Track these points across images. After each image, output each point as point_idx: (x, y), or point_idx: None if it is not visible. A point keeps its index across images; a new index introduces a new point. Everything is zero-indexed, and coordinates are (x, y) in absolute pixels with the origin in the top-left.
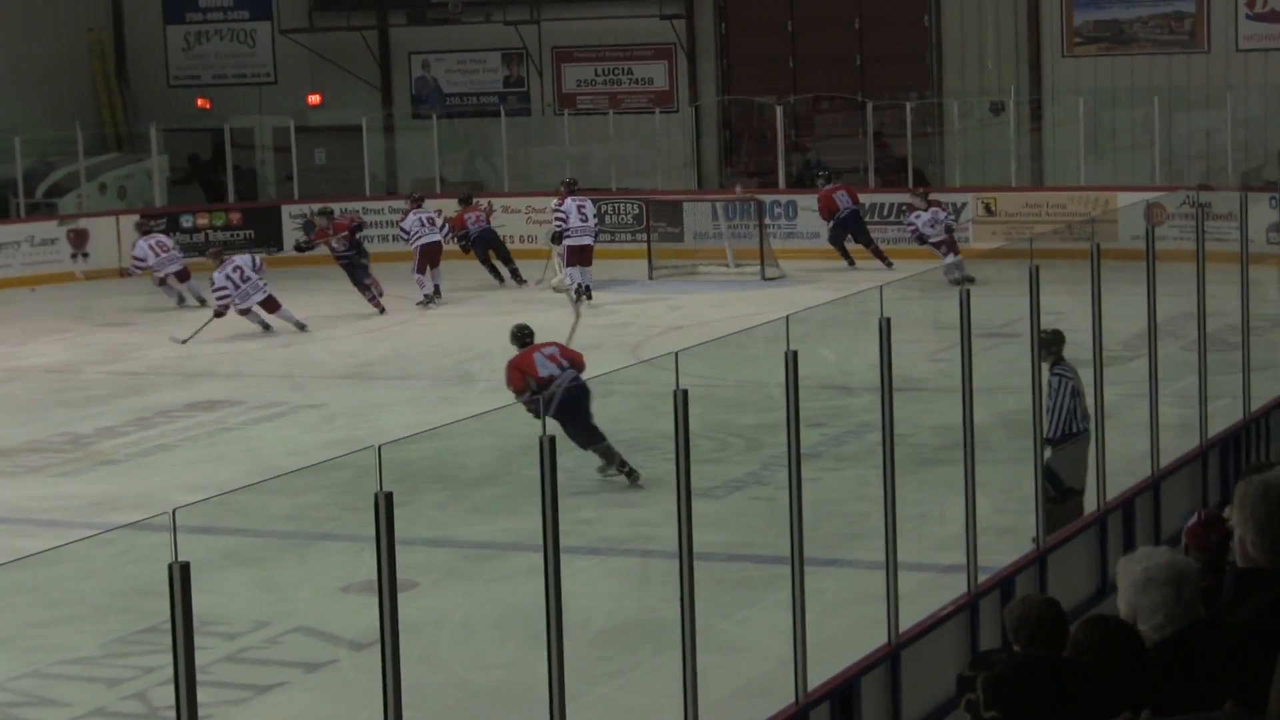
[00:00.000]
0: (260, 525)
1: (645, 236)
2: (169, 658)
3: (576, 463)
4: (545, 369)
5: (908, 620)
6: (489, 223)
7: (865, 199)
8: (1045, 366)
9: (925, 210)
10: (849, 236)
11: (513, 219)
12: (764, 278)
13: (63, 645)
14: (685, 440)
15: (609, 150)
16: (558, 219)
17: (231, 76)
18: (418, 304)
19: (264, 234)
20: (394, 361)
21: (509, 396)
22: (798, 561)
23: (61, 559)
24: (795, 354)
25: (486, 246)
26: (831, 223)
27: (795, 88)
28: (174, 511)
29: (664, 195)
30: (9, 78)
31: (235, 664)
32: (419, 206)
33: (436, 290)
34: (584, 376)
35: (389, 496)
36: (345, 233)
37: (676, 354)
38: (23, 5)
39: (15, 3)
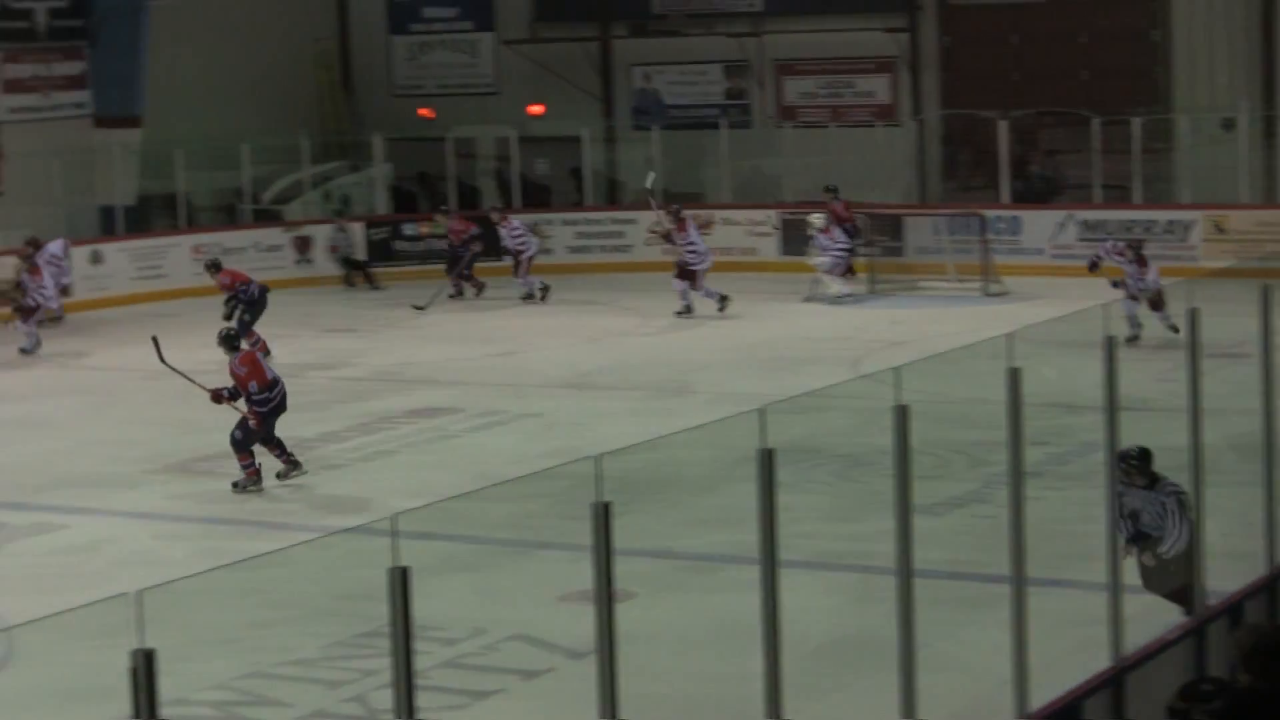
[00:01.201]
0: (480, 532)
1: (867, 251)
2: (388, 661)
3: (795, 476)
4: (272, 373)
5: (1132, 644)
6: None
7: (1090, 216)
8: None
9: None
10: None
11: (732, 231)
12: (986, 293)
13: (284, 646)
14: (905, 456)
15: (829, 163)
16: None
17: (454, 86)
18: (676, 313)
19: (486, 243)
20: (614, 371)
21: (727, 408)
22: (1019, 581)
23: (284, 561)
24: (1018, 371)
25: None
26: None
27: (1019, 102)
28: (395, 516)
29: (885, 209)
30: (237, 87)
31: (453, 670)
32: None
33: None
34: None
35: (607, 506)
36: (465, 234)
37: (897, 369)
38: (250, 16)
39: (243, 13)
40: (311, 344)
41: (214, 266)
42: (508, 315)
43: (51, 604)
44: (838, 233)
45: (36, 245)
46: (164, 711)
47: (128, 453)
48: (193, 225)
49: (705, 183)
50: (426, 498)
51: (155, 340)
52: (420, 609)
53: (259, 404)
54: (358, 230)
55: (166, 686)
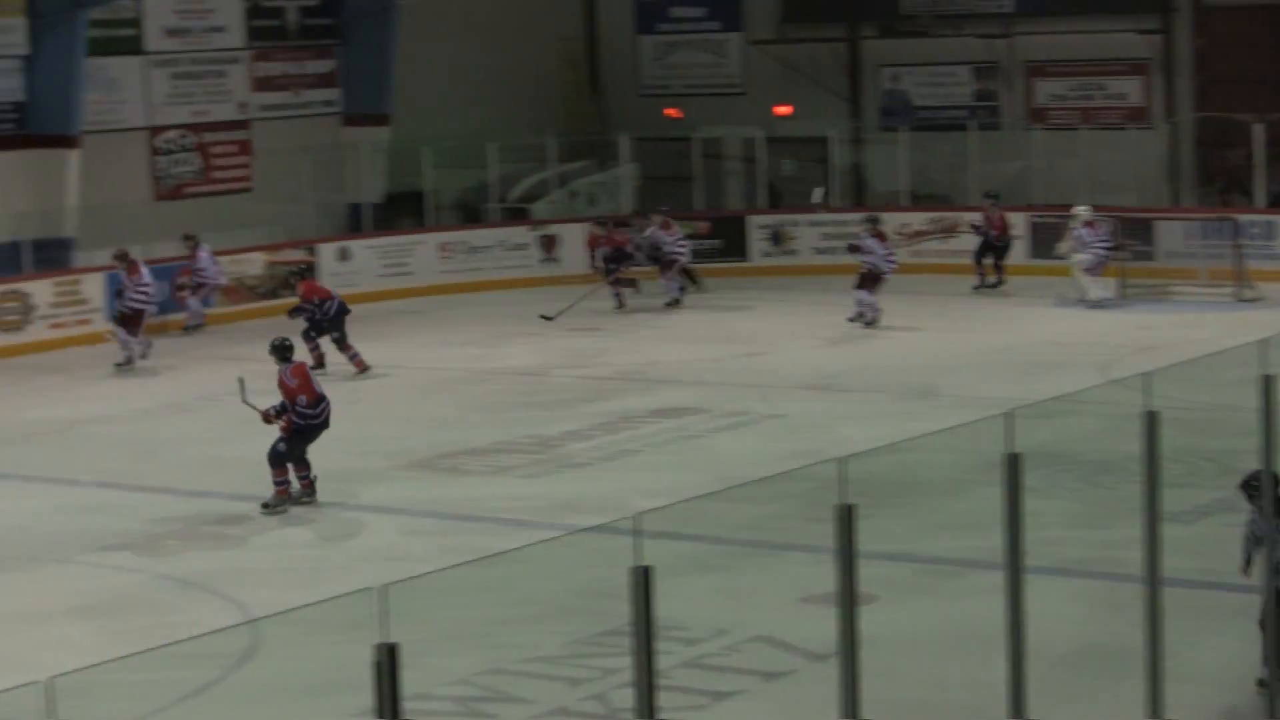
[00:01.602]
0: (722, 533)
1: (1117, 255)
2: (629, 660)
3: (1041, 481)
4: (319, 389)
5: None
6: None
7: None
8: None
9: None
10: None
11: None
12: (1239, 299)
13: (526, 643)
14: (1154, 463)
15: (1079, 165)
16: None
17: (701, 86)
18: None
19: (730, 243)
20: (858, 374)
21: (974, 412)
22: (1271, 592)
23: (526, 559)
24: (1272, 378)
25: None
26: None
27: (1275, 105)
28: (638, 516)
29: (1136, 213)
30: (485, 85)
31: (694, 670)
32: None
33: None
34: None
35: (851, 509)
36: (611, 248)
37: (1147, 375)
38: (499, 16)
39: (492, 14)
40: (556, 343)
41: (299, 275)
42: (753, 316)
43: (296, 597)
44: (1102, 229)
45: (124, 258)
46: (406, 706)
47: (374, 448)
48: (439, 223)
49: (952, 185)
50: (669, 498)
51: (241, 382)
52: (662, 608)
53: (301, 418)
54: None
55: (408, 681)
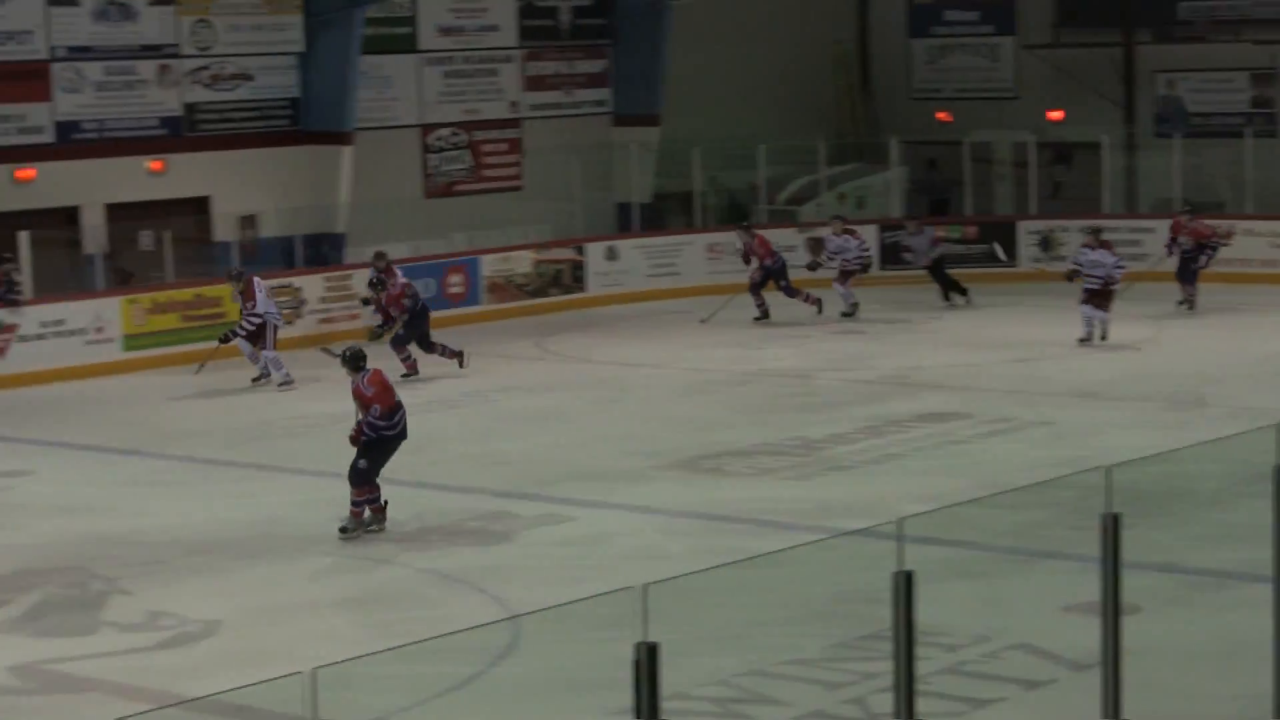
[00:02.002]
0: (985, 540)
1: None
2: (889, 665)
3: None
4: (397, 396)
5: None
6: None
7: None
8: None
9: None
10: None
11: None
12: None
13: (785, 646)
14: None
15: None
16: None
17: (973, 90)
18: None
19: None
20: (1126, 382)
21: (1243, 423)
22: None
23: (787, 561)
24: None
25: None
26: None
27: None
28: (901, 521)
29: None
30: (755, 88)
31: (954, 676)
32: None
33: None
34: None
35: (1116, 518)
36: (768, 256)
37: None
38: (771, 17)
39: (764, 14)
40: (821, 345)
41: (377, 285)
42: (1021, 321)
43: (557, 594)
44: None
45: (236, 276)
46: (664, 706)
47: (636, 447)
48: (707, 224)
49: (1227, 193)
50: (932, 503)
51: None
52: (922, 614)
53: (372, 429)
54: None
55: (667, 680)
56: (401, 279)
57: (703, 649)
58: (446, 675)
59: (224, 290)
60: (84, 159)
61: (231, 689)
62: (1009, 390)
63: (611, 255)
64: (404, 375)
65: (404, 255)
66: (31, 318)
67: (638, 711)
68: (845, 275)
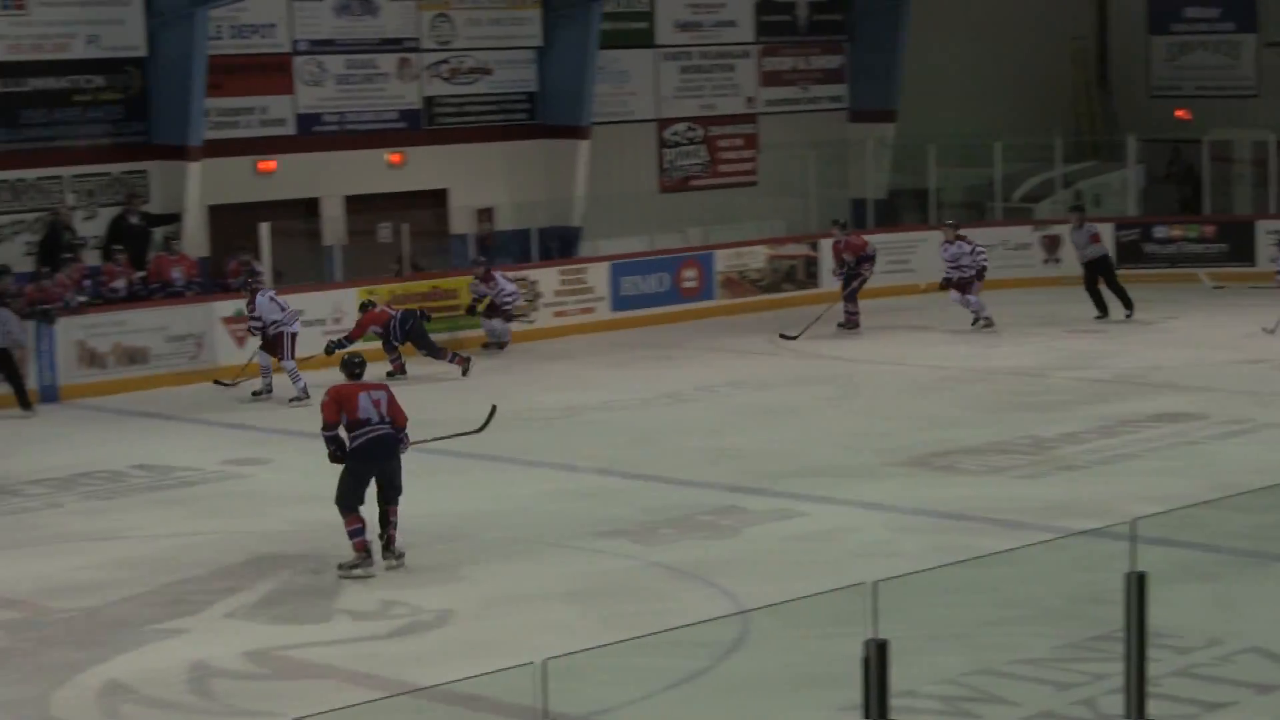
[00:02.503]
0: (1219, 541)
1: None
2: (1119, 666)
3: None
4: (365, 413)
5: None
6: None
7: None
8: None
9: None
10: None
11: None
12: None
13: (1013, 645)
14: None
15: None
16: None
17: (1213, 88)
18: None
19: (1237, 248)
20: None
21: None
22: None
23: (1017, 560)
24: None
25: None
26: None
27: None
28: (1134, 522)
29: None
30: (992, 83)
31: (1185, 679)
32: None
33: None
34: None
35: None
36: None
37: None
38: (1010, 13)
39: (1001, 12)
40: (1056, 344)
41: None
42: (1261, 322)
43: (787, 590)
44: None
45: (250, 270)
46: (892, 702)
47: (868, 444)
48: (942, 221)
49: None
50: (1164, 504)
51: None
52: (1155, 615)
53: (330, 444)
54: (1108, 231)
55: (895, 678)
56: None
57: (931, 647)
58: (675, 669)
59: (460, 282)
60: (324, 151)
61: (461, 679)
62: (1248, 391)
63: None
64: (389, 374)
65: (638, 249)
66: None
67: (866, 709)
68: (964, 285)
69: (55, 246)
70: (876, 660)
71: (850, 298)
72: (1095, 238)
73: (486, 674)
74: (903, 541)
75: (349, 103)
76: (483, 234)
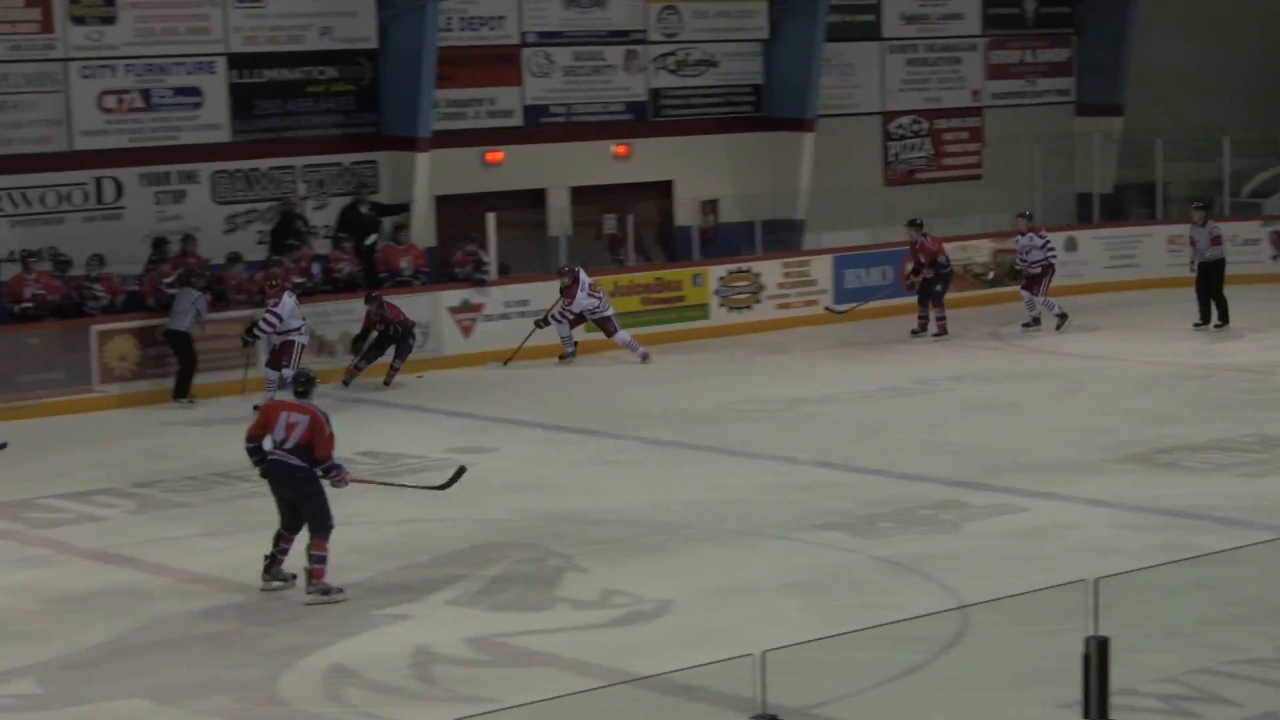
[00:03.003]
0: None
1: None
2: None
3: None
4: (279, 433)
5: None
6: None
7: None
8: None
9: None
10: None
11: None
12: None
13: (1236, 645)
14: None
15: None
16: None
17: None
18: None
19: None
20: None
21: None
22: None
23: (1242, 559)
24: None
25: None
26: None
27: None
28: None
29: None
30: (1221, 77)
31: None
32: None
33: None
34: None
35: None
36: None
37: None
38: (1237, 7)
39: (1230, 5)
40: None
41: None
42: None
43: (1006, 585)
44: None
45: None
46: (1112, 700)
47: (1091, 440)
48: (1168, 216)
49: None
50: None
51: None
52: None
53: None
54: None
55: (1115, 675)
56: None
57: (1152, 645)
58: (893, 663)
59: (683, 274)
60: (551, 142)
61: (680, 669)
62: None
63: (1071, 246)
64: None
65: (862, 242)
66: (496, 298)
67: (1086, 706)
68: (1032, 281)
69: (287, 235)
70: (1097, 657)
71: (935, 303)
72: (1218, 240)
73: (705, 664)
74: (1124, 538)
75: (576, 94)
76: (705, 226)
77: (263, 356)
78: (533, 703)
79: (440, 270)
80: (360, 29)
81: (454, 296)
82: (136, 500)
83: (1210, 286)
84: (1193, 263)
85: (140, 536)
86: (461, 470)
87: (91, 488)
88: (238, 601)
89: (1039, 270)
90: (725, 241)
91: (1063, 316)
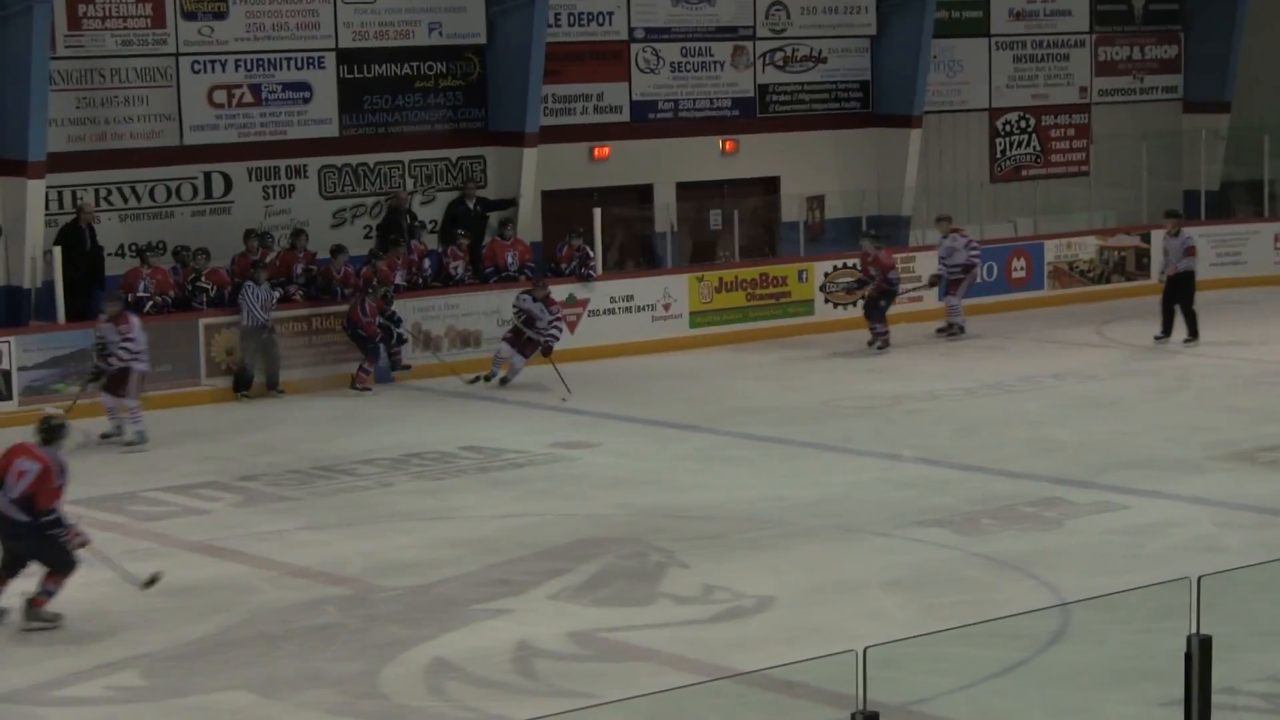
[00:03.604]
0: None
1: None
2: None
3: None
4: (10, 478)
5: None
6: None
7: None
8: None
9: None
10: None
11: None
12: None
13: None
14: None
15: None
16: None
17: None
18: None
19: None
20: None
21: None
22: None
23: None
24: None
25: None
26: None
27: None
28: None
29: None
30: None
31: None
32: None
33: None
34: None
35: None
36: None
37: None
38: None
39: None
40: None
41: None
42: None
43: (1108, 583)
44: None
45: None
46: (1213, 699)
47: (1195, 437)
48: (1276, 214)
49: None
50: None
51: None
52: None
53: None
54: None
55: (1217, 674)
56: None
57: (1255, 643)
58: (994, 659)
59: (788, 270)
60: (658, 138)
61: (781, 664)
62: None
63: None
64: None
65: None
66: (602, 293)
67: (1188, 705)
68: (953, 285)
69: (394, 229)
70: (1200, 656)
71: (880, 318)
72: (1191, 250)
73: (806, 660)
74: (1228, 536)
75: (683, 90)
76: (811, 222)
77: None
78: (634, 697)
79: (546, 265)
80: (469, 25)
81: (560, 291)
82: (241, 494)
83: (1180, 299)
84: (1163, 273)
85: (244, 530)
86: (156, 577)
87: (196, 481)
88: (340, 595)
89: (960, 275)
90: (832, 237)
91: (955, 329)
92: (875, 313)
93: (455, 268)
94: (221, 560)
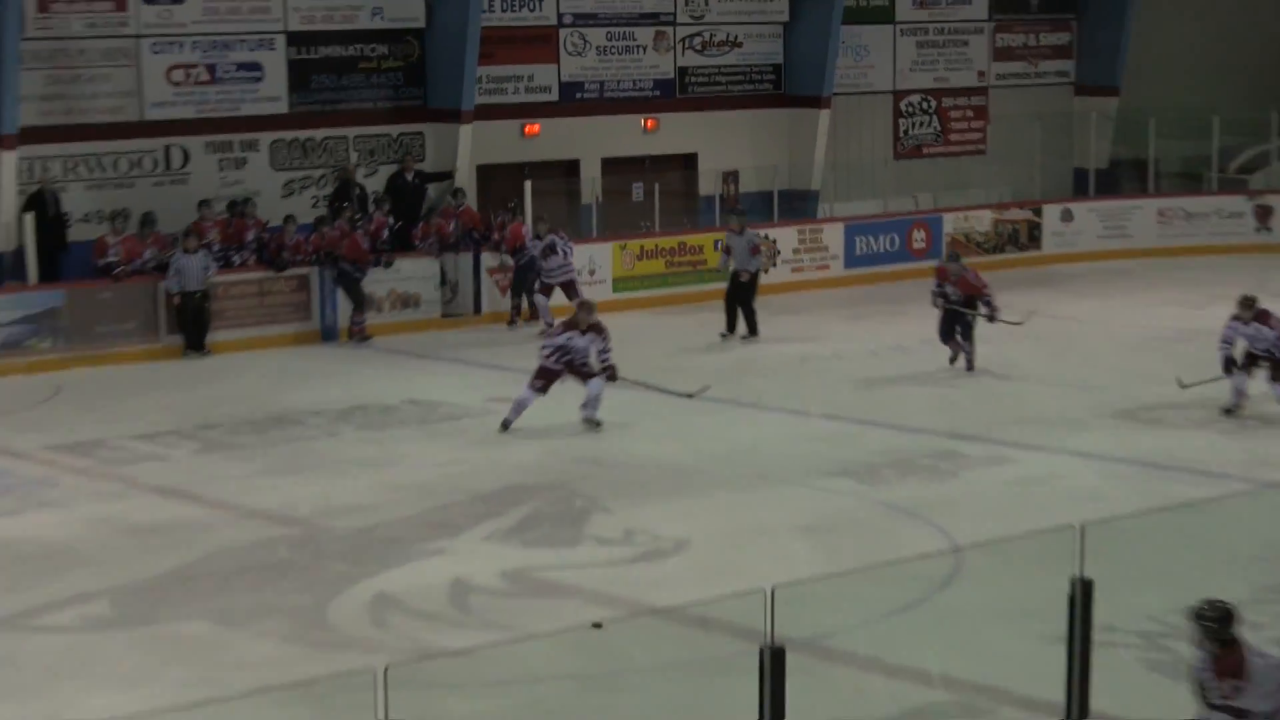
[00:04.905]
0: None
1: None
2: None
3: None
4: None
5: None
6: None
7: None
8: None
9: None
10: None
11: None
12: None
13: (1213, 588)
14: None
15: None
16: None
17: None
18: None
19: None
20: None
21: None
22: None
23: (1219, 510)
24: None
25: None
26: None
27: None
28: None
29: None
30: (1212, 60)
31: None
32: None
33: None
34: None
35: None
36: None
37: None
38: None
39: None
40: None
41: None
42: None
43: (999, 529)
44: None
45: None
46: (1094, 636)
47: (1080, 398)
48: (1159, 190)
49: None
50: None
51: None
52: None
53: None
54: None
55: (1098, 613)
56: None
57: (1133, 587)
58: (891, 599)
59: (705, 239)
60: (584, 116)
61: (696, 602)
62: None
63: (1066, 217)
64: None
65: (872, 212)
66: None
67: (1071, 641)
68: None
69: (343, 199)
70: (1082, 597)
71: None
72: (756, 249)
73: (719, 598)
74: (1110, 488)
75: (608, 72)
76: (726, 195)
77: None
78: (560, 631)
79: (482, 233)
80: (409, 9)
81: (492, 259)
82: (200, 441)
83: (741, 298)
84: (722, 268)
85: (203, 474)
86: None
87: (159, 429)
88: (291, 535)
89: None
90: (745, 210)
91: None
92: (960, 334)
93: (384, 237)
94: (183, 502)
